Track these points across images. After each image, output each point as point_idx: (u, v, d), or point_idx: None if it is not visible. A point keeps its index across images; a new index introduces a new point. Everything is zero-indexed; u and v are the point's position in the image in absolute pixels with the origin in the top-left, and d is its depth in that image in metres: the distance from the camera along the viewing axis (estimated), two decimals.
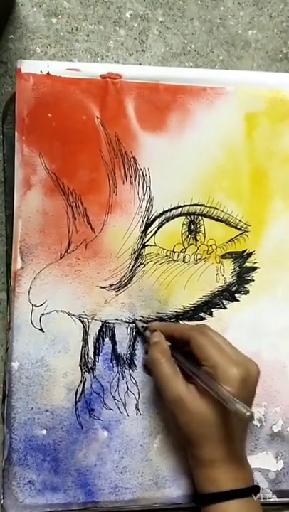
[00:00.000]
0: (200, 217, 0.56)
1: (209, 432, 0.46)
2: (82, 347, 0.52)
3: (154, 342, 0.51)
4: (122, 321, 0.53)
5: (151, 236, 0.55)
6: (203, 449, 0.47)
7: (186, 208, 0.55)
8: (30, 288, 0.52)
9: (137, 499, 0.51)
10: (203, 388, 0.46)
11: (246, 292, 0.56)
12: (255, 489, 0.48)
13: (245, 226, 0.56)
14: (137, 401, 0.53)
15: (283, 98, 0.58)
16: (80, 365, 0.52)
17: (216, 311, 0.55)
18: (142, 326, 0.53)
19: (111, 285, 0.54)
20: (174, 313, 0.55)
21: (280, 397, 0.55)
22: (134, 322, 0.54)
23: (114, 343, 0.53)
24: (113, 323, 0.53)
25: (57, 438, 0.51)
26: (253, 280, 0.56)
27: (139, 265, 0.54)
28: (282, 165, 0.58)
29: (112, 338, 0.53)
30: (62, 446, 0.51)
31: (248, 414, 0.42)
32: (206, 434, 0.46)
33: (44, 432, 0.51)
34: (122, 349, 0.53)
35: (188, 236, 0.55)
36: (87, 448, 0.51)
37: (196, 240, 0.55)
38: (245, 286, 0.56)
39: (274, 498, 0.52)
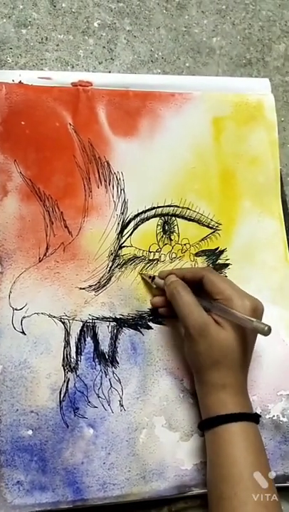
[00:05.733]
0: (173, 218, 0.58)
1: (226, 356, 0.49)
2: (64, 347, 0.53)
3: (171, 281, 0.53)
4: (102, 319, 0.54)
5: (128, 237, 0.56)
6: (218, 373, 0.50)
7: (160, 209, 0.57)
8: (11, 292, 0.53)
9: (125, 494, 0.52)
10: (220, 319, 0.50)
11: None
12: (258, 417, 0.51)
13: (216, 225, 0.59)
14: (121, 397, 0.53)
15: (248, 102, 0.61)
16: (62, 365, 0.53)
17: None
18: (149, 277, 0.56)
19: (90, 286, 0.55)
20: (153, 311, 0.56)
21: (257, 386, 0.56)
22: (140, 275, 0.56)
23: (96, 342, 0.54)
24: (94, 323, 0.54)
25: (43, 438, 0.51)
26: (226, 276, 0.58)
27: (116, 266, 0.55)
28: (248, 166, 0.61)
29: (94, 337, 0.54)
30: (48, 445, 0.51)
31: (266, 328, 0.47)
32: (222, 359, 0.49)
33: (30, 432, 0.51)
34: (104, 347, 0.54)
35: (162, 236, 0.57)
36: (74, 446, 0.52)
37: (171, 240, 0.57)
38: None
39: None
